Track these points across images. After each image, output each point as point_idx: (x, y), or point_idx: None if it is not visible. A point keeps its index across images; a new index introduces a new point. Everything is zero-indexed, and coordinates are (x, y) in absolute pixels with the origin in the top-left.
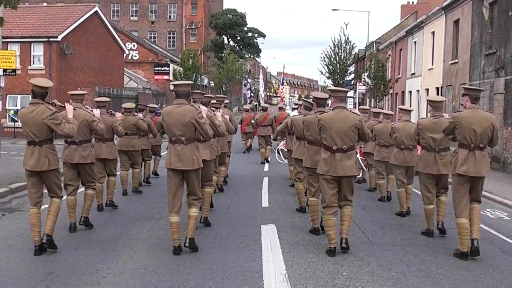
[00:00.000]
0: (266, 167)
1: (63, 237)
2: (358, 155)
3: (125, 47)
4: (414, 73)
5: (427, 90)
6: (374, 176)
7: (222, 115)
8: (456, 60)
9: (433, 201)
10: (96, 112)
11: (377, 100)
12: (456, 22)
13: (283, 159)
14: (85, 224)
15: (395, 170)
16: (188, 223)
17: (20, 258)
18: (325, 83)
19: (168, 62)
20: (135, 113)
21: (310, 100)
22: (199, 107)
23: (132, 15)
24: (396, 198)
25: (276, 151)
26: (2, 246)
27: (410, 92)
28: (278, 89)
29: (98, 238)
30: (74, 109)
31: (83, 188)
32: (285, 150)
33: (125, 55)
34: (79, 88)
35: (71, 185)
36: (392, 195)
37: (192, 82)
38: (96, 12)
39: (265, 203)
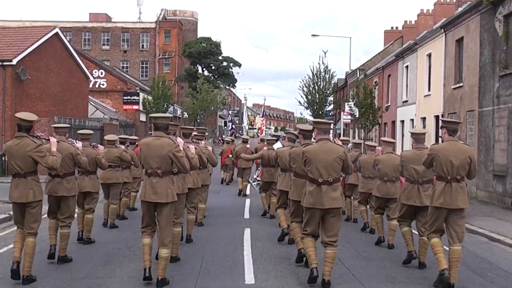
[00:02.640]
0: (248, 201)
1: (43, 267)
2: None
3: (92, 74)
4: (406, 101)
5: (424, 119)
6: (352, 208)
7: (205, 147)
8: (461, 84)
9: (410, 225)
10: (79, 145)
11: (366, 131)
12: (459, 41)
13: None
14: (62, 261)
15: (376, 201)
16: (158, 263)
17: None
18: (301, 114)
19: (138, 91)
20: (117, 145)
21: (296, 132)
22: (176, 140)
23: (104, 44)
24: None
25: (252, 183)
26: None
27: (403, 121)
28: (253, 121)
29: (78, 269)
30: (57, 142)
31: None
32: (260, 180)
33: (91, 83)
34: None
35: (54, 213)
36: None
37: (171, 115)
38: (56, 34)
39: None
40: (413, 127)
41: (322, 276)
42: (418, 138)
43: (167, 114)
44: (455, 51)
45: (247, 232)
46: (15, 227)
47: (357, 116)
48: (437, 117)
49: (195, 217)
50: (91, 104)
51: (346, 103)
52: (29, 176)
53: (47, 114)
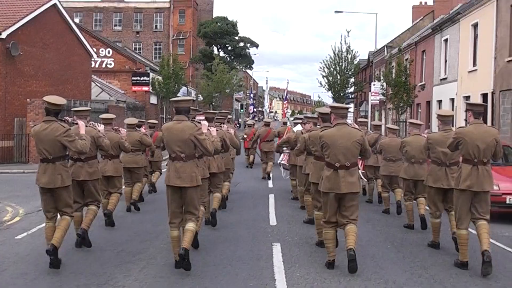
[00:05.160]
0: (270, 183)
1: (65, 254)
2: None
3: (99, 53)
4: (445, 78)
5: (467, 97)
6: (373, 188)
7: (227, 130)
8: None
9: (440, 215)
10: (101, 128)
11: (400, 112)
12: None
13: (287, 175)
14: (82, 237)
15: (404, 184)
16: (184, 235)
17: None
18: (319, 97)
19: (148, 72)
20: (137, 129)
21: (315, 115)
22: (199, 123)
23: (115, 25)
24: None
25: (279, 165)
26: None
27: (440, 101)
28: (270, 105)
29: (99, 256)
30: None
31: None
32: (286, 163)
33: (98, 62)
34: (28, 100)
35: (77, 202)
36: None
37: (193, 98)
38: (54, 5)
39: (272, 220)
40: (453, 108)
41: (346, 247)
42: (445, 120)
43: (188, 97)
44: (510, 18)
45: (272, 217)
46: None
47: (386, 96)
48: (485, 95)
49: (221, 195)
50: (96, 85)
51: (372, 83)
52: (57, 161)
53: (43, 95)
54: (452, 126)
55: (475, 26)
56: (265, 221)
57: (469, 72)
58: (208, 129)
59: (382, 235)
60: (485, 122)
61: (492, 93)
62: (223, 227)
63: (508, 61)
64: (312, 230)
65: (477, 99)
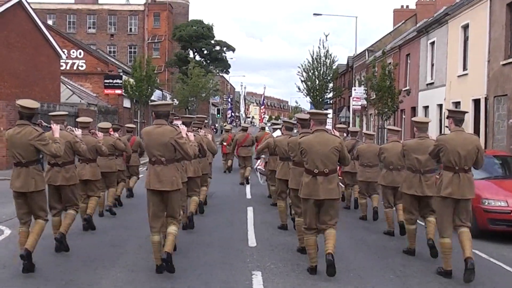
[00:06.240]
0: (248, 193)
1: (44, 255)
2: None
3: (70, 55)
4: (432, 83)
5: (457, 103)
6: (351, 195)
7: (205, 135)
8: None
9: (415, 222)
10: (78, 132)
11: (384, 118)
12: (511, 5)
13: (264, 181)
14: (60, 241)
15: (383, 190)
16: (166, 239)
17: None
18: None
19: (121, 74)
20: (110, 133)
21: (293, 121)
22: (178, 127)
23: (89, 27)
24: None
25: (256, 171)
26: None
27: (426, 107)
28: (247, 110)
29: (80, 259)
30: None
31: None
32: (263, 169)
33: (69, 64)
34: None
35: (55, 207)
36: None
37: (172, 102)
38: (20, 2)
39: (251, 240)
40: (442, 114)
41: (326, 251)
42: (421, 126)
43: (168, 102)
44: (506, 17)
45: (251, 236)
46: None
47: (369, 101)
48: (477, 100)
49: (198, 199)
50: (67, 87)
51: (353, 88)
52: (31, 165)
53: (8, 97)
54: (440, 133)
55: (465, 27)
56: (243, 241)
57: (458, 76)
58: (186, 134)
59: (360, 241)
60: (478, 129)
61: (486, 98)
62: (193, 249)
63: (504, 64)
64: (297, 255)
65: (468, 105)
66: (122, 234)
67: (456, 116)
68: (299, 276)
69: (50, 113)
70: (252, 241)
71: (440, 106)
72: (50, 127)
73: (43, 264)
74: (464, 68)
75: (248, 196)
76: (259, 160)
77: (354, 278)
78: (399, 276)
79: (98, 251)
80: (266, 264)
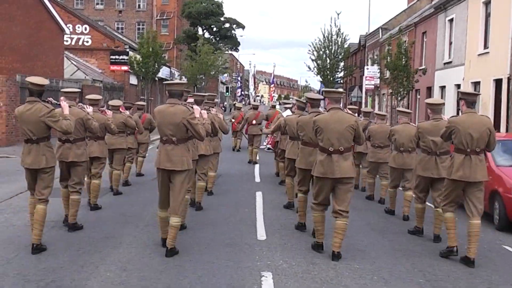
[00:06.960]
0: (257, 176)
1: (51, 235)
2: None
3: (75, 30)
4: (450, 62)
5: (477, 83)
6: (361, 177)
7: (216, 114)
8: None
9: (425, 201)
10: (89, 110)
11: (399, 98)
12: None
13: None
14: (73, 228)
15: (392, 172)
16: (169, 232)
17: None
18: (306, 82)
19: (128, 50)
20: (121, 111)
21: (304, 100)
22: (191, 107)
23: (97, 3)
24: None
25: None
26: None
27: (443, 87)
28: (257, 88)
29: (86, 239)
30: (69, 107)
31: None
32: (271, 147)
33: (74, 39)
34: None
35: (65, 181)
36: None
37: (186, 82)
38: None
39: (261, 232)
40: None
41: (332, 247)
42: (435, 108)
43: (182, 81)
44: None
45: (259, 197)
46: None
47: (383, 80)
48: (498, 80)
49: (205, 184)
50: (72, 63)
51: (366, 67)
52: (41, 142)
53: (9, 72)
54: (457, 114)
55: (487, 3)
56: (251, 233)
57: (479, 55)
58: (200, 112)
59: (367, 222)
60: (499, 111)
61: (508, 78)
62: (196, 244)
63: None
64: (311, 251)
65: (489, 85)
66: (115, 224)
67: (469, 98)
68: (315, 279)
69: (63, 90)
70: (261, 233)
71: (458, 86)
72: (59, 104)
73: (23, 260)
74: (485, 46)
75: (257, 179)
76: (267, 138)
77: (362, 259)
78: (430, 280)
79: (87, 245)
80: (277, 262)
